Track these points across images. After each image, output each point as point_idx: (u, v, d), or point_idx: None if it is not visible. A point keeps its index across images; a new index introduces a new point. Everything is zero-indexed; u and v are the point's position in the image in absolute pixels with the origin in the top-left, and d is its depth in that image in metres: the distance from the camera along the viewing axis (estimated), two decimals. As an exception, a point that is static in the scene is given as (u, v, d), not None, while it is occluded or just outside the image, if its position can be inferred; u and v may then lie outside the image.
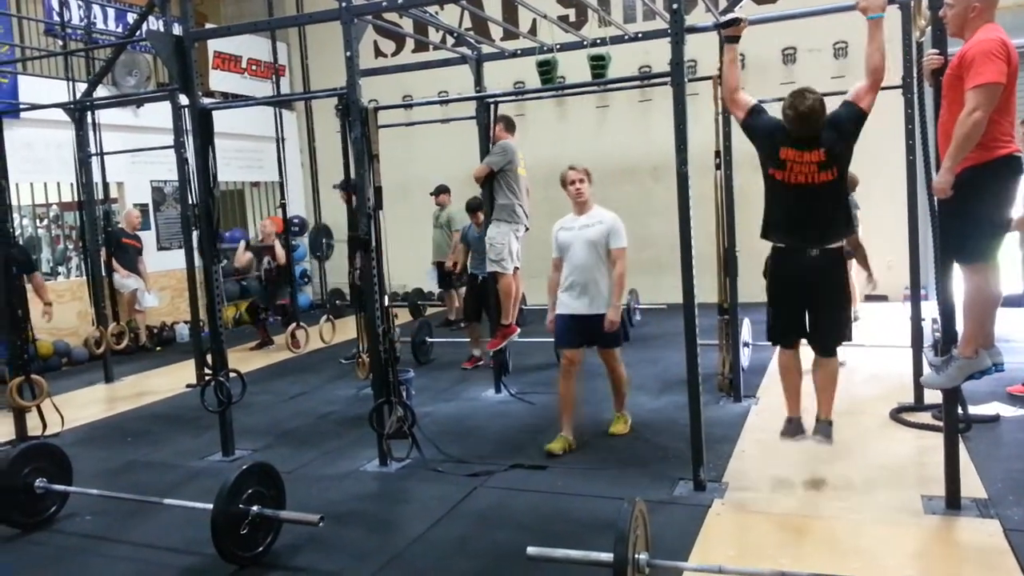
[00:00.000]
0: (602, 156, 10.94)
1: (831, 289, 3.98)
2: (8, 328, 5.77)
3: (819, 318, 4.03)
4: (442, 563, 3.51)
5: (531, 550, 3.04)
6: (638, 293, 9.45)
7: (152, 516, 4.13)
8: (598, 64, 5.64)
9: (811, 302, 4.01)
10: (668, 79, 4.07)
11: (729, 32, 4.04)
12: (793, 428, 4.15)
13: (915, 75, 4.95)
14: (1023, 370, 5.75)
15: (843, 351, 5.03)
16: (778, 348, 4.22)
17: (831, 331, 4.07)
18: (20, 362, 5.80)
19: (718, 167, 5.43)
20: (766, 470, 4.33)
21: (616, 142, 10.79)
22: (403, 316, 9.73)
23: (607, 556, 2.81)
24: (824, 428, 4.07)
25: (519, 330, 6.54)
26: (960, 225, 3.47)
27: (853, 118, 3.79)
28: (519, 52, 6.48)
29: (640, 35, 6.26)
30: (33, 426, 5.76)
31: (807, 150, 3.77)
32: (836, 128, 3.79)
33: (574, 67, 6.85)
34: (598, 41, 6.08)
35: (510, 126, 6.47)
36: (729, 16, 4.15)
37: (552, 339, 6.13)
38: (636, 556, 2.84)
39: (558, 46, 6.14)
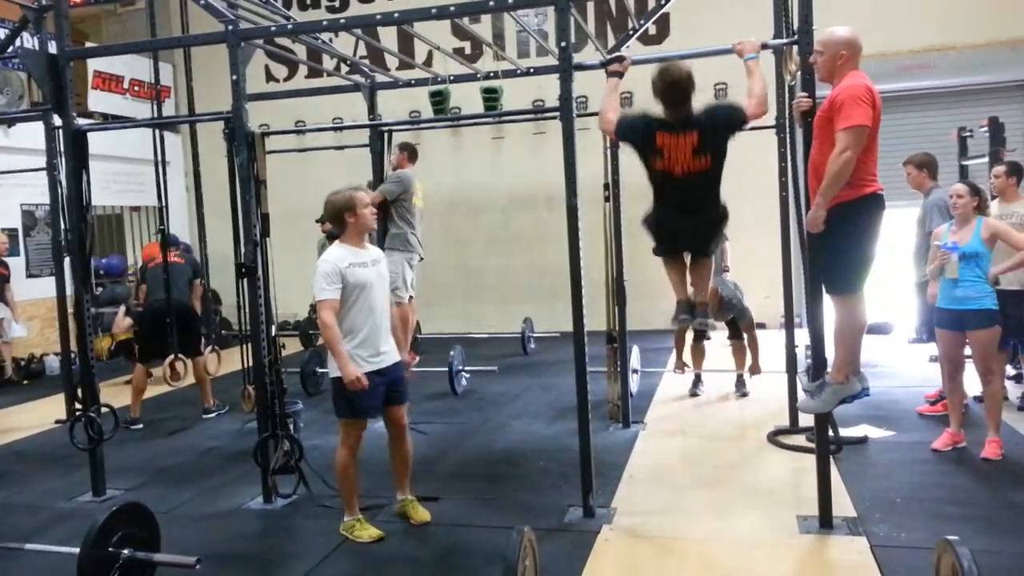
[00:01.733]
0: (498, 186, 11.10)
1: (710, 233, 4.19)
2: None
3: (695, 233, 4.15)
4: (328, 602, 3.40)
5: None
6: (533, 321, 9.55)
7: (12, 563, 3.82)
8: (490, 96, 5.73)
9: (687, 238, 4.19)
10: (557, 113, 4.18)
11: (613, 68, 4.19)
12: (683, 309, 4.29)
13: (787, 116, 5.26)
14: (887, 394, 6.16)
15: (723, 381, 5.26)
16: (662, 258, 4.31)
17: (706, 243, 4.22)
18: None
19: (607, 199, 5.59)
20: (652, 494, 4.43)
21: (512, 173, 10.95)
22: (292, 345, 9.47)
23: (496, 587, 2.80)
24: (702, 313, 4.30)
25: (417, 358, 6.50)
26: (830, 258, 3.70)
27: (731, 114, 3.90)
28: (413, 82, 6.51)
29: (532, 70, 6.42)
30: None
31: (681, 132, 3.86)
32: (711, 116, 3.92)
33: (469, 99, 6.95)
34: (491, 74, 6.19)
35: (413, 156, 6.48)
36: (614, 55, 4.32)
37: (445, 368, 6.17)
38: (525, 586, 2.84)
39: (451, 77, 6.21)
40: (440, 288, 10.56)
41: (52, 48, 5.01)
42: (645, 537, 3.88)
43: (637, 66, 4.31)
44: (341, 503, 4.20)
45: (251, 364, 4.91)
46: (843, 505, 4.03)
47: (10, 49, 7.23)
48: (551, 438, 5.68)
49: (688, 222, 4.05)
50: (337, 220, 4.07)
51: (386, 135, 6.46)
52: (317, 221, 8.92)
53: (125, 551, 3.31)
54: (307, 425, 5.98)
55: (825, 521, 3.84)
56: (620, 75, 4.18)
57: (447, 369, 7.07)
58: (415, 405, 6.59)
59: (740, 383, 6.59)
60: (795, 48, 3.97)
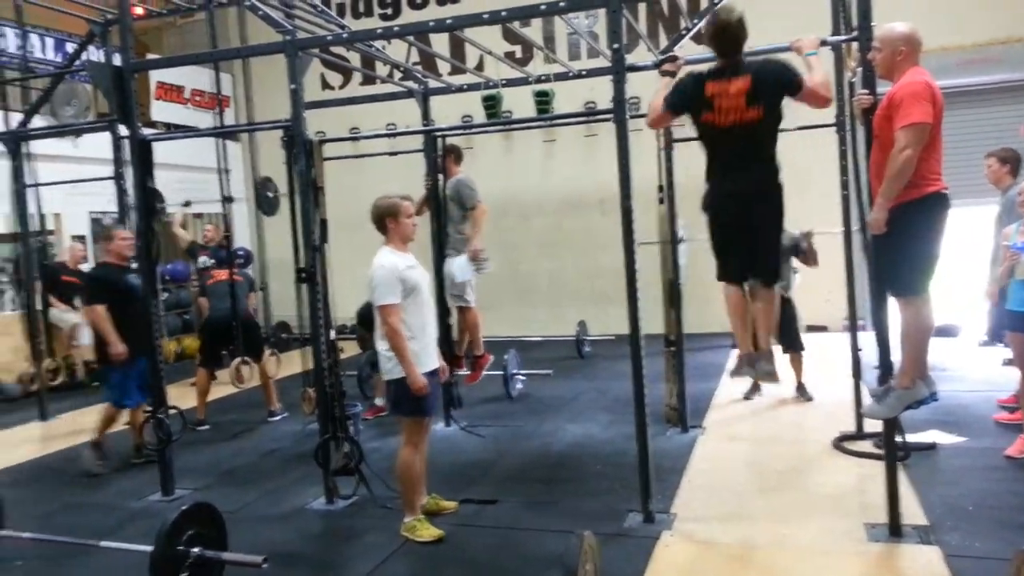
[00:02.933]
0: (549, 190, 11.10)
1: (766, 221, 3.90)
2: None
3: (754, 248, 3.94)
4: (390, 603, 3.45)
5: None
6: (587, 324, 9.52)
7: (88, 560, 3.96)
8: (542, 100, 5.73)
9: (748, 229, 3.90)
10: (611, 115, 4.16)
11: (666, 68, 4.15)
12: (745, 363, 4.10)
13: (848, 114, 5.15)
14: (956, 399, 5.96)
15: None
16: (724, 286, 4.10)
17: (764, 257, 4.00)
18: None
19: (661, 201, 5.54)
20: (713, 500, 4.37)
21: (563, 176, 10.94)
22: (350, 349, 9.60)
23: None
24: (766, 360, 4.06)
25: (491, 358, 6.56)
26: (893, 259, 3.60)
27: (789, 78, 3.70)
28: (466, 87, 6.56)
29: (584, 72, 6.39)
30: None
31: (731, 78, 3.71)
32: (764, 65, 3.76)
33: (521, 102, 6.96)
34: (543, 78, 6.19)
35: (459, 158, 6.53)
36: (667, 55, 4.28)
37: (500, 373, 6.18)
38: (586, 591, 2.83)
39: (504, 81, 6.23)
40: (492, 292, 10.55)
41: (117, 60, 5.18)
42: (707, 543, 3.83)
43: (690, 66, 4.28)
44: (400, 504, 4.25)
45: (311, 367, 5.00)
46: (913, 513, 3.92)
47: (77, 62, 7.56)
48: (607, 442, 5.65)
49: (743, 184, 3.81)
50: (380, 224, 4.16)
51: (439, 140, 6.52)
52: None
53: (195, 549, 3.40)
54: (365, 428, 6.06)
55: (894, 529, 3.74)
56: (673, 75, 4.13)
57: (502, 373, 7.09)
58: (471, 408, 6.66)
59: (802, 389, 6.46)
60: (854, 45, 3.89)
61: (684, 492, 4.51)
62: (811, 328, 8.15)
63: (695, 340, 6.13)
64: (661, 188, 5.53)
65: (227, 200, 7.13)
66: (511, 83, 6.23)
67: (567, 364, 8.64)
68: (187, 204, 9.30)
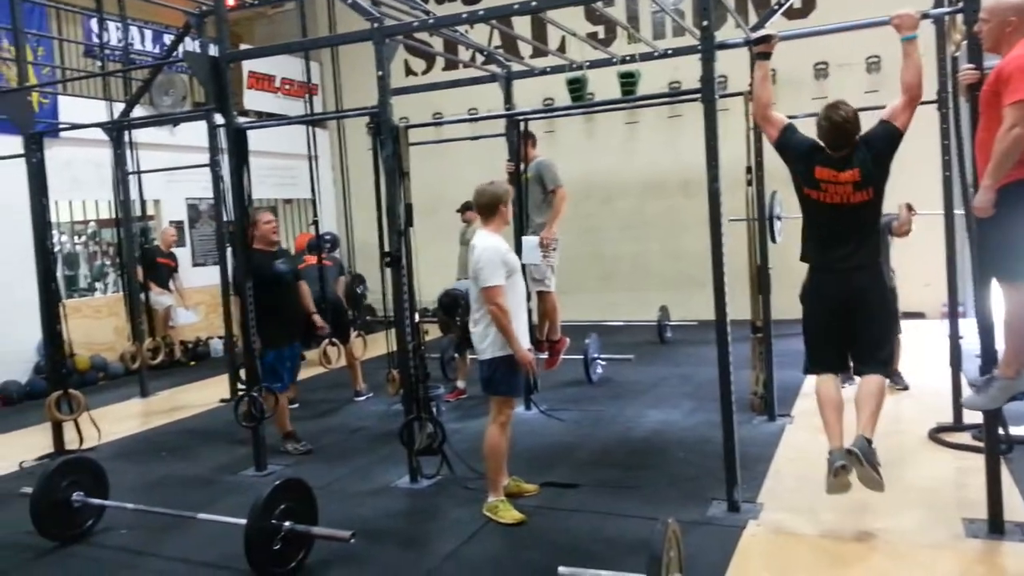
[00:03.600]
0: (632, 172, 10.97)
1: (873, 306, 3.79)
2: (48, 344, 5.90)
3: (862, 336, 3.81)
4: (473, 581, 3.50)
5: (563, 570, 3.03)
6: (669, 309, 9.39)
7: (186, 530, 4.17)
8: (628, 81, 5.65)
9: (852, 322, 3.80)
10: (698, 95, 4.07)
11: (760, 49, 4.02)
12: (838, 456, 3.62)
13: (950, 90, 4.89)
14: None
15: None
16: (816, 378, 3.94)
17: (875, 347, 3.82)
18: (58, 376, 5.92)
19: (749, 183, 5.39)
20: (802, 491, 4.24)
21: (646, 158, 10.79)
22: (433, 331, 9.75)
23: (640, 577, 2.79)
24: (867, 457, 3.54)
25: (568, 342, 6.56)
26: (999, 243, 3.41)
27: (888, 137, 3.70)
28: (548, 70, 6.52)
29: (670, 52, 6.25)
30: (71, 439, 5.86)
31: (842, 170, 3.68)
32: (870, 147, 3.70)
33: (603, 83, 6.88)
34: (627, 58, 6.09)
35: (535, 142, 6.52)
36: (760, 33, 4.13)
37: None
38: (669, 578, 2.80)
39: (587, 63, 6.17)
40: (573, 275, 10.52)
41: (213, 51, 5.35)
42: (795, 535, 3.74)
43: (784, 42, 4.13)
44: (482, 485, 4.33)
45: (395, 349, 5.09)
46: (1015, 509, 3.72)
47: (174, 54, 7.86)
48: (690, 429, 5.58)
49: (845, 256, 3.74)
50: (491, 208, 4.20)
51: (521, 124, 6.51)
52: (458, 211, 9.14)
53: (287, 523, 3.53)
54: (448, 409, 6.15)
55: (995, 525, 3.56)
56: (768, 56, 4.01)
57: (582, 357, 7.07)
58: (551, 392, 6.67)
59: (896, 377, 6.21)
60: (959, 17, 3.68)
61: (771, 482, 4.41)
62: (907, 315, 7.80)
63: (783, 327, 5.94)
64: (749, 169, 5.37)
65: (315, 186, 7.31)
66: (595, 64, 6.16)
67: (649, 349, 8.56)
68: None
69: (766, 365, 5.51)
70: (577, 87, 6.08)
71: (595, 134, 11.09)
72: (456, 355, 7.10)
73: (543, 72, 6.55)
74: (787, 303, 5.59)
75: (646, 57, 6.12)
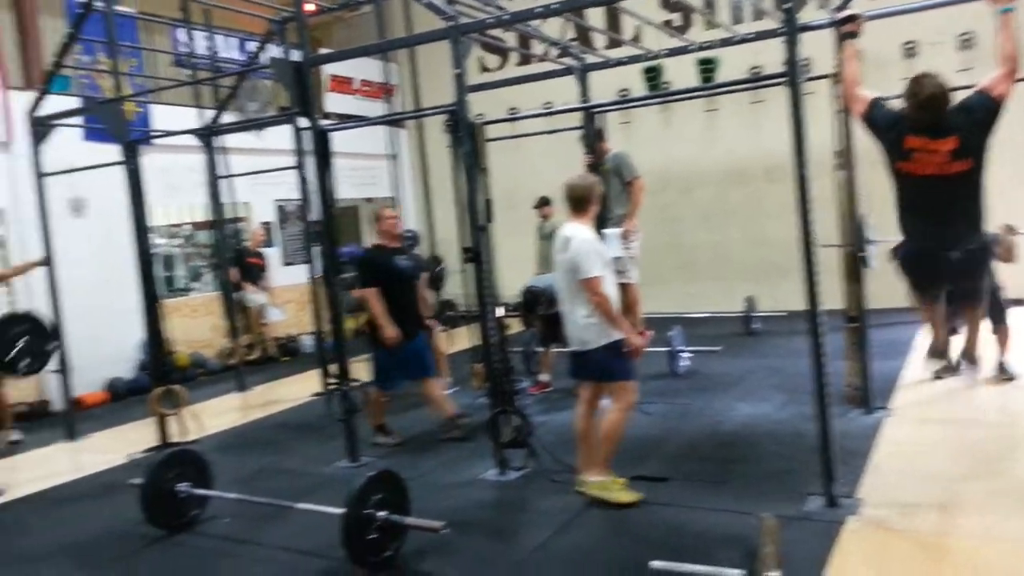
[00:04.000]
0: (712, 160, 10.75)
1: (976, 270, 3.67)
2: (150, 342, 6.20)
3: (964, 289, 3.75)
4: (564, 573, 3.52)
5: (655, 564, 3.01)
6: (755, 299, 9.17)
7: (285, 519, 4.32)
8: (707, 68, 5.54)
9: (953, 282, 3.71)
10: (782, 79, 3.95)
11: (847, 29, 3.88)
12: (936, 353, 3.87)
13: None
14: None
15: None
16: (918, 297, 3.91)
17: (977, 295, 3.83)
18: (160, 373, 6.21)
19: (838, 167, 5.21)
20: (904, 486, 4.10)
21: (726, 145, 10.56)
22: (516, 325, 9.79)
23: (736, 572, 2.74)
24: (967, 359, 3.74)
25: (651, 334, 6.50)
26: None
27: (985, 107, 3.48)
28: (624, 60, 6.45)
29: (751, 36, 6.10)
30: (173, 433, 6.14)
31: (937, 138, 3.47)
32: (969, 113, 3.49)
33: (681, 72, 6.78)
34: (706, 44, 5.97)
35: (602, 136, 6.50)
36: (845, 13, 3.99)
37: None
38: (767, 574, 2.75)
39: (665, 52, 6.07)
40: (653, 267, 10.39)
41: (295, 56, 5.50)
42: (898, 531, 3.60)
43: (871, 21, 3.98)
44: (568, 478, 4.39)
45: (479, 343, 5.14)
46: None
47: (258, 60, 8.12)
48: (782, 422, 5.44)
49: (943, 235, 3.60)
50: (583, 201, 4.24)
51: (597, 117, 6.47)
52: (534, 206, 9.16)
53: (381, 513, 3.62)
54: (532, 402, 6.18)
55: (1116, 522, 3.36)
56: (855, 35, 3.86)
57: (666, 349, 6.99)
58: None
59: (1004, 367, 5.90)
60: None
61: (870, 477, 4.25)
62: (1017, 302, 7.41)
63: (877, 316, 5.72)
64: (838, 153, 5.19)
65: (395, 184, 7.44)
66: (673, 52, 6.06)
67: (735, 341, 8.38)
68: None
69: (861, 356, 5.32)
70: (654, 76, 6.02)
71: (673, 123, 10.91)
72: (539, 349, 7.11)
73: (619, 63, 6.50)
74: (882, 290, 5.40)
75: (726, 42, 5.99)
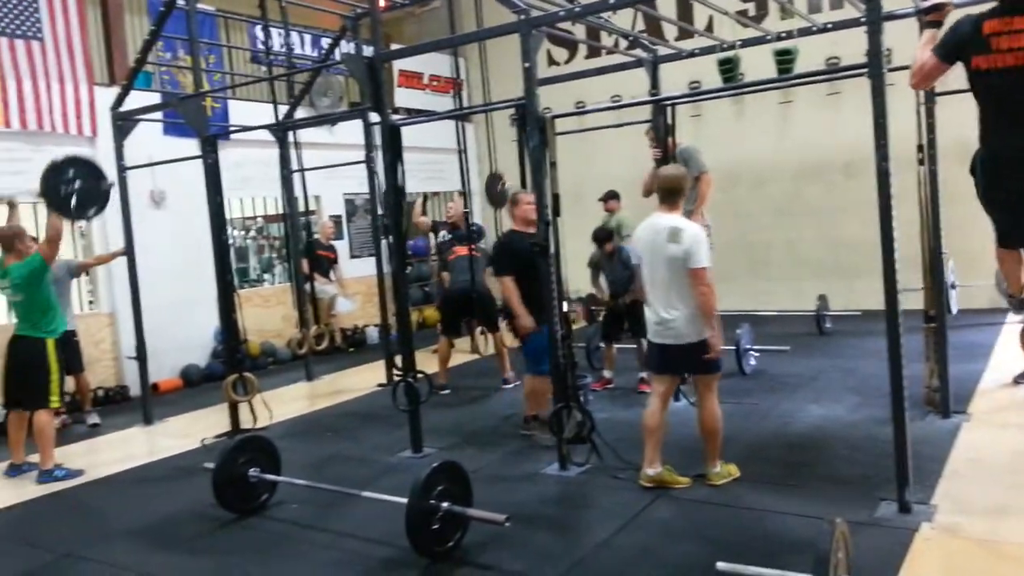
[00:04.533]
0: (785, 154, 10.48)
1: None
2: (225, 330, 6.39)
3: None
4: (627, 570, 3.48)
5: (721, 565, 2.95)
6: (827, 298, 8.91)
7: (351, 507, 4.39)
8: (785, 59, 5.39)
9: None
10: (864, 71, 3.81)
11: (932, 17, 3.70)
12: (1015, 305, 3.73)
13: None
14: None
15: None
16: (999, 250, 3.66)
17: None
18: (234, 360, 6.39)
19: (921, 161, 5.01)
20: (982, 494, 3.92)
21: (801, 139, 10.28)
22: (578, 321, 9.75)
23: (805, 577, 2.67)
24: None
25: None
26: None
27: None
28: (697, 51, 6.32)
29: (829, 26, 5.90)
30: (245, 419, 6.32)
31: (1018, 14, 3.17)
32: None
33: (754, 63, 6.60)
34: (783, 35, 5.80)
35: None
36: (933, 1, 3.82)
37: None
38: (837, 579, 2.67)
39: (739, 42, 5.93)
40: (722, 263, 10.18)
41: (367, 52, 5.57)
42: (975, 540, 3.45)
43: (959, 10, 3.79)
44: (631, 475, 4.41)
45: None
46: None
47: (332, 56, 8.26)
48: (854, 425, 5.27)
49: None
50: (674, 192, 4.37)
51: (668, 110, 6.35)
52: (600, 199, 9.09)
53: (445, 504, 3.65)
54: (595, 398, 6.15)
55: None
56: (939, 24, 3.67)
57: (734, 348, 6.85)
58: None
59: None
60: None
61: (946, 483, 4.09)
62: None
63: (957, 317, 5.49)
64: (921, 147, 4.99)
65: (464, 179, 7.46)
66: (747, 43, 5.91)
67: (806, 341, 8.16)
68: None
69: (940, 358, 5.11)
70: (729, 67, 5.86)
71: (745, 116, 10.67)
72: (602, 344, 7.07)
73: (691, 54, 6.36)
74: (963, 291, 5.17)
75: (804, 32, 5.80)
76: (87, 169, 5.82)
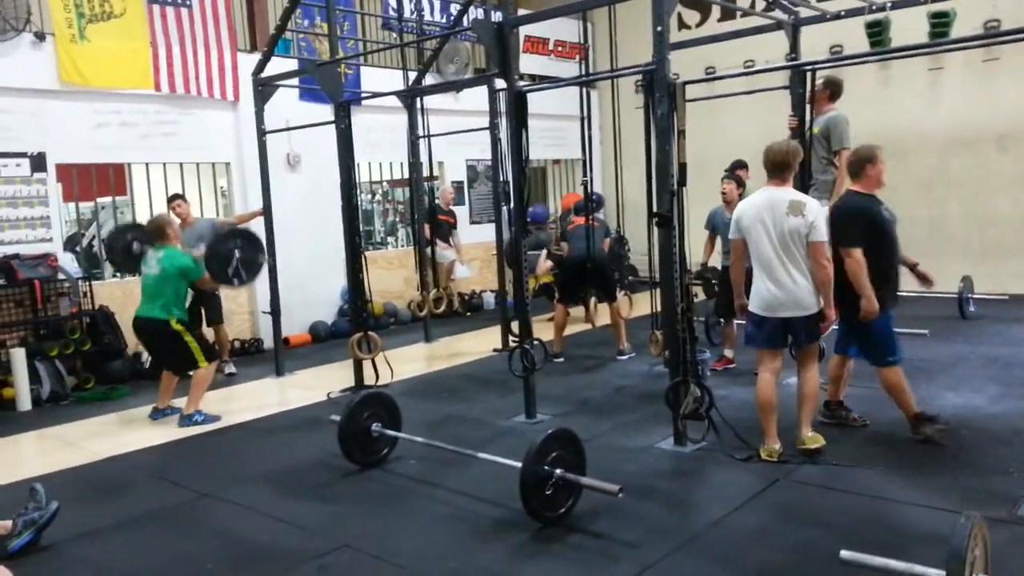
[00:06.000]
0: (933, 125, 9.80)
1: None
2: (352, 290, 6.63)
3: None
4: (742, 551, 3.40)
5: (845, 554, 2.82)
6: (972, 280, 8.31)
7: (466, 467, 4.50)
8: (941, 21, 5.00)
9: None
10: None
11: None
12: None
13: None
14: None
15: None
16: None
17: None
18: (360, 320, 6.64)
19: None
20: None
21: (952, 108, 9.56)
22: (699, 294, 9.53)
23: (937, 572, 2.52)
24: None
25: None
26: None
27: None
28: (843, 13, 5.95)
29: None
30: (368, 376, 6.57)
31: None
32: None
33: (903, 26, 6.16)
34: (940, -5, 5.37)
35: (836, 94, 6.02)
36: None
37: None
38: (974, 577, 2.51)
39: (890, 3, 5.54)
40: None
41: (496, 17, 5.55)
42: None
43: None
44: (750, 455, 4.37)
45: (660, 310, 5.03)
46: None
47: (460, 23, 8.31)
48: (996, 416, 4.92)
49: None
50: (784, 168, 4.41)
51: (809, 75, 6.02)
52: (726, 170, 8.79)
53: (558, 471, 3.67)
54: (713, 374, 6.02)
55: None
56: None
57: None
58: (825, 364, 6.21)
59: None
60: None
61: (1102, 484, 3.77)
62: None
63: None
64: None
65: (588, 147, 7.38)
66: (897, 5, 5.51)
67: (946, 325, 7.65)
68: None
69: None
70: (878, 31, 5.48)
71: (891, 83, 10.00)
72: (722, 320, 6.87)
73: (837, 16, 6.00)
74: None
75: (964, -7, 5.36)
76: (252, 243, 6.39)
